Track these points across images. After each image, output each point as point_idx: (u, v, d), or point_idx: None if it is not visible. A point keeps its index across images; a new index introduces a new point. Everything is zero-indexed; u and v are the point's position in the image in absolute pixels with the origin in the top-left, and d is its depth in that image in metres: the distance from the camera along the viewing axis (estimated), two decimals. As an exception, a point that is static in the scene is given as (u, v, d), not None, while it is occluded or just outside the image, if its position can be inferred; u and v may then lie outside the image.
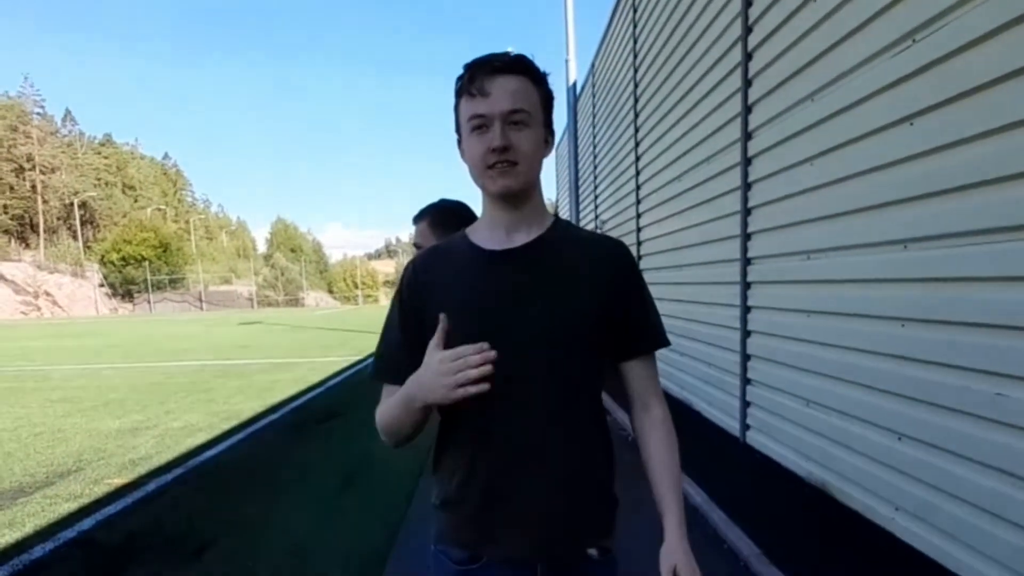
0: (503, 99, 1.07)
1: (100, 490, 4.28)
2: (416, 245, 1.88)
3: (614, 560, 1.24)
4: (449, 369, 1.06)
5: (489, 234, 1.20)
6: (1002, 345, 2.17)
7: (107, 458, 5.11)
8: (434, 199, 2.05)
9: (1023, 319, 2.08)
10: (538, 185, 1.21)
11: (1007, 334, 2.15)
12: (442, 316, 1.11)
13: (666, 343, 1.26)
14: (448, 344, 1.13)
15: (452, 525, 1.21)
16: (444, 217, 1.89)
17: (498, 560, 1.17)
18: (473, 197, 1.97)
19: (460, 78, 1.12)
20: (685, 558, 1.14)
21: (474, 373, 1.04)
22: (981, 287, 2.26)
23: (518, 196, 1.15)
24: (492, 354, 1.06)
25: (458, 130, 1.17)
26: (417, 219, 1.97)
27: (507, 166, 1.09)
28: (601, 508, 1.22)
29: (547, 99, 1.16)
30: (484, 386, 1.05)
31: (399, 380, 1.19)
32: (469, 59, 1.13)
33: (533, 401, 1.13)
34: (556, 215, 1.26)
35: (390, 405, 1.19)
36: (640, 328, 1.23)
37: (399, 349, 1.21)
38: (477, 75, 1.09)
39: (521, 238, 1.18)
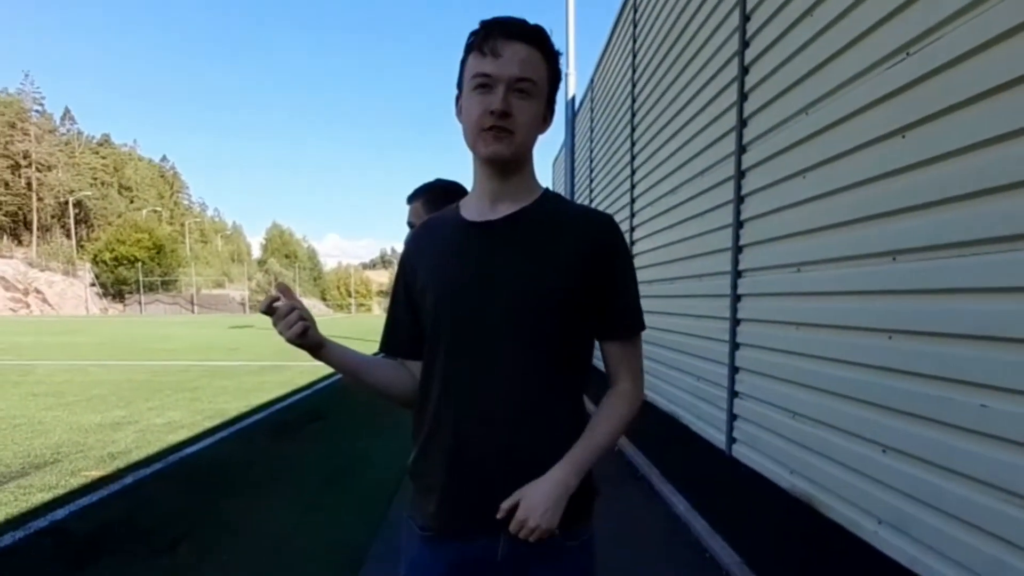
0: (513, 64, 1.05)
1: (76, 482, 4.22)
2: (410, 224, 1.87)
3: (589, 545, 1.19)
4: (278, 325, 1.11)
5: (476, 205, 1.19)
6: (987, 356, 2.17)
7: (86, 451, 5.04)
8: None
9: (1007, 330, 2.08)
10: (530, 159, 1.19)
11: (992, 345, 2.15)
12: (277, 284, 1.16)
13: (637, 330, 1.22)
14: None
15: (416, 495, 1.22)
16: (438, 197, 1.87)
17: (449, 536, 1.16)
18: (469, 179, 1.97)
19: (474, 34, 1.09)
20: (537, 496, 1.07)
21: (298, 328, 1.09)
22: (967, 298, 2.26)
23: (507, 165, 1.13)
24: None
25: (460, 86, 1.14)
26: (411, 199, 1.95)
27: (502, 133, 1.07)
28: None
29: (555, 76, 1.15)
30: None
31: (397, 352, 1.26)
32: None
33: (497, 377, 1.11)
34: (546, 189, 1.23)
35: None
36: (617, 310, 1.19)
37: (398, 323, 1.25)
38: (492, 34, 1.06)
39: (504, 209, 1.16)
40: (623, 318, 1.20)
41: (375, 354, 1.29)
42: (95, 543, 3.23)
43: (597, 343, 1.24)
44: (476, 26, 1.10)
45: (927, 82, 2.42)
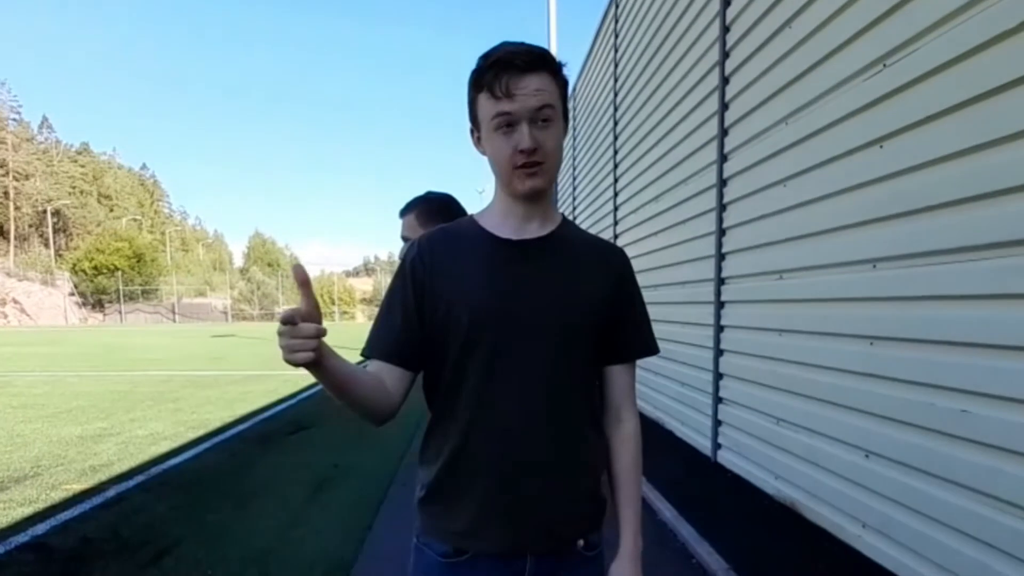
0: (530, 98, 1.05)
1: (57, 495, 4.16)
2: (404, 238, 1.87)
3: (602, 555, 1.23)
4: (283, 340, 0.92)
5: (502, 222, 1.19)
6: (967, 362, 2.21)
7: (67, 464, 4.96)
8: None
9: (987, 336, 2.13)
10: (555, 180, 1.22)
11: (972, 351, 2.20)
12: (297, 266, 0.93)
13: (652, 352, 1.28)
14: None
15: (435, 517, 1.18)
16: (431, 210, 1.88)
17: (484, 554, 1.14)
18: (459, 191, 1.98)
19: (480, 72, 1.08)
20: (633, 574, 1.18)
21: (299, 357, 0.92)
22: (947, 305, 2.30)
23: (541, 193, 1.15)
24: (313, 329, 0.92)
25: (473, 122, 1.14)
26: (404, 212, 1.95)
27: (536, 167, 1.08)
28: (590, 503, 1.21)
29: (564, 89, 1.15)
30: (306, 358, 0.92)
31: (386, 356, 1.16)
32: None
33: (532, 390, 1.12)
34: (563, 215, 1.27)
35: None
36: (630, 334, 1.24)
37: (394, 326, 1.17)
38: (502, 76, 1.05)
39: (534, 230, 1.18)
40: (638, 340, 1.25)
41: (361, 358, 1.24)
42: (78, 557, 3.18)
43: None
44: (478, 55, 1.09)
45: (904, 93, 2.47)
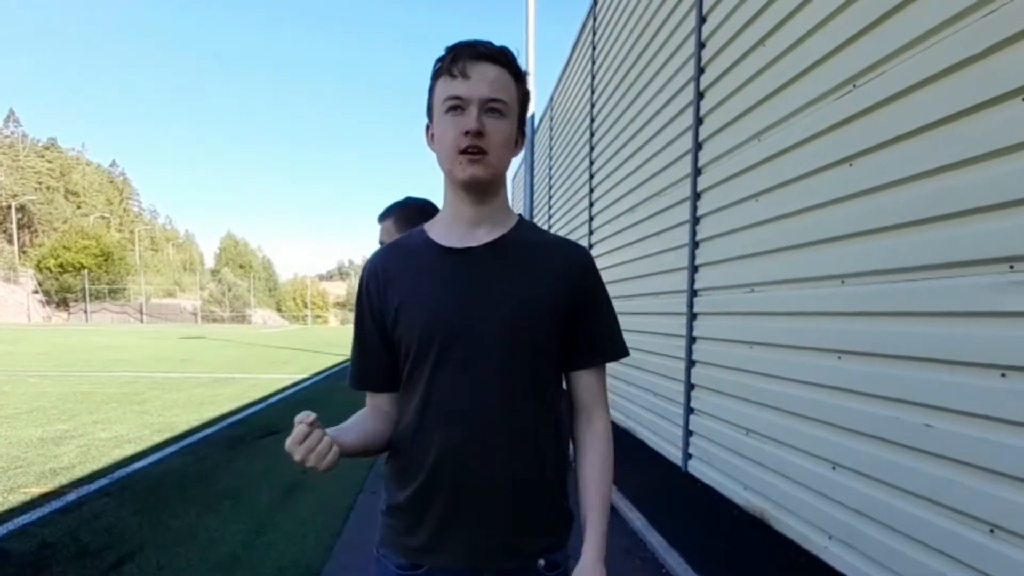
0: (483, 85, 1.05)
1: (15, 499, 4.06)
2: (382, 243, 1.86)
3: (565, 572, 1.19)
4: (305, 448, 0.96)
5: (448, 230, 1.17)
6: (930, 377, 2.26)
7: (26, 467, 4.84)
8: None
9: (949, 353, 2.18)
10: (504, 182, 1.19)
11: (935, 367, 2.24)
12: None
13: (620, 356, 1.23)
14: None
15: (394, 531, 1.17)
16: (409, 215, 1.88)
17: (439, 569, 1.13)
18: (437, 198, 1.97)
19: (440, 59, 1.09)
20: None
21: (323, 465, 0.98)
22: (912, 321, 2.35)
23: (484, 188, 1.12)
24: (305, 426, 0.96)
25: (429, 112, 1.14)
26: (382, 217, 1.94)
27: (478, 154, 1.06)
28: (552, 518, 1.18)
29: (524, 96, 1.14)
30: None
31: (372, 386, 1.20)
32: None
33: (486, 404, 1.10)
34: (520, 216, 1.24)
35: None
36: (594, 338, 1.19)
37: (369, 353, 1.20)
38: (460, 57, 1.06)
39: (483, 235, 1.15)
40: (604, 344, 1.20)
41: (351, 387, 1.24)
42: (36, 563, 3.11)
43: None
44: (442, 51, 1.10)
45: (873, 114, 2.52)
